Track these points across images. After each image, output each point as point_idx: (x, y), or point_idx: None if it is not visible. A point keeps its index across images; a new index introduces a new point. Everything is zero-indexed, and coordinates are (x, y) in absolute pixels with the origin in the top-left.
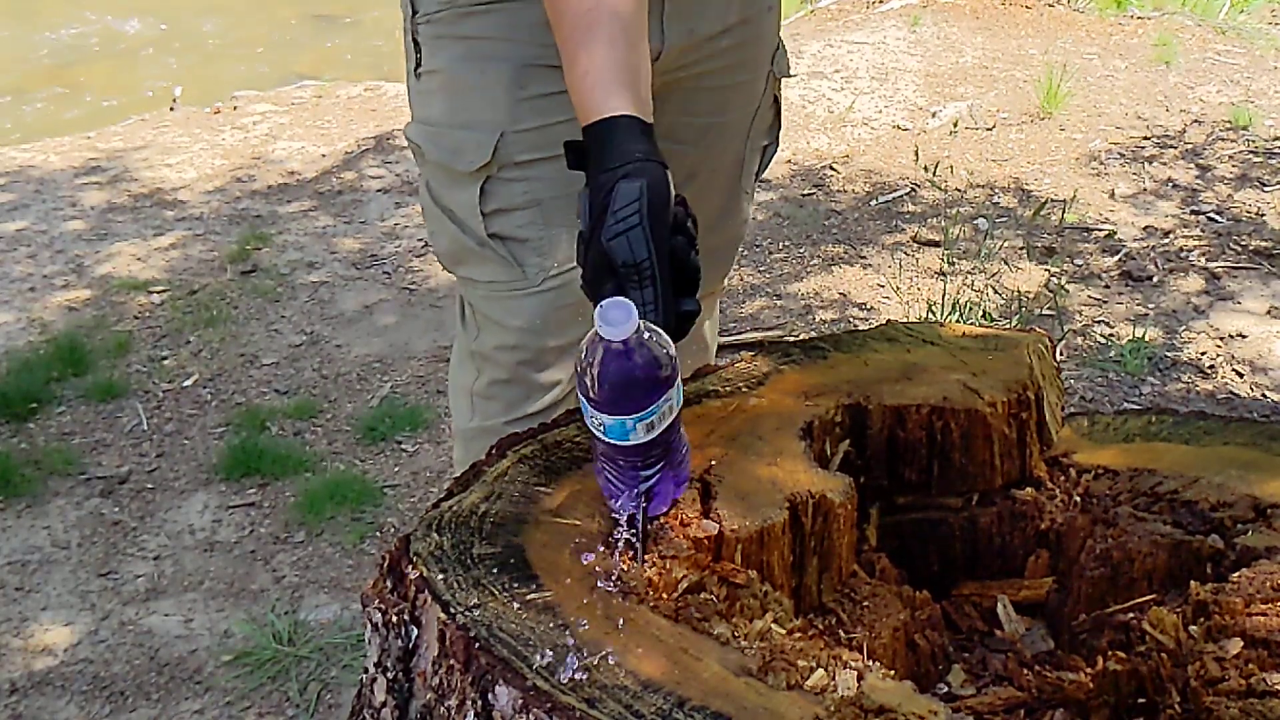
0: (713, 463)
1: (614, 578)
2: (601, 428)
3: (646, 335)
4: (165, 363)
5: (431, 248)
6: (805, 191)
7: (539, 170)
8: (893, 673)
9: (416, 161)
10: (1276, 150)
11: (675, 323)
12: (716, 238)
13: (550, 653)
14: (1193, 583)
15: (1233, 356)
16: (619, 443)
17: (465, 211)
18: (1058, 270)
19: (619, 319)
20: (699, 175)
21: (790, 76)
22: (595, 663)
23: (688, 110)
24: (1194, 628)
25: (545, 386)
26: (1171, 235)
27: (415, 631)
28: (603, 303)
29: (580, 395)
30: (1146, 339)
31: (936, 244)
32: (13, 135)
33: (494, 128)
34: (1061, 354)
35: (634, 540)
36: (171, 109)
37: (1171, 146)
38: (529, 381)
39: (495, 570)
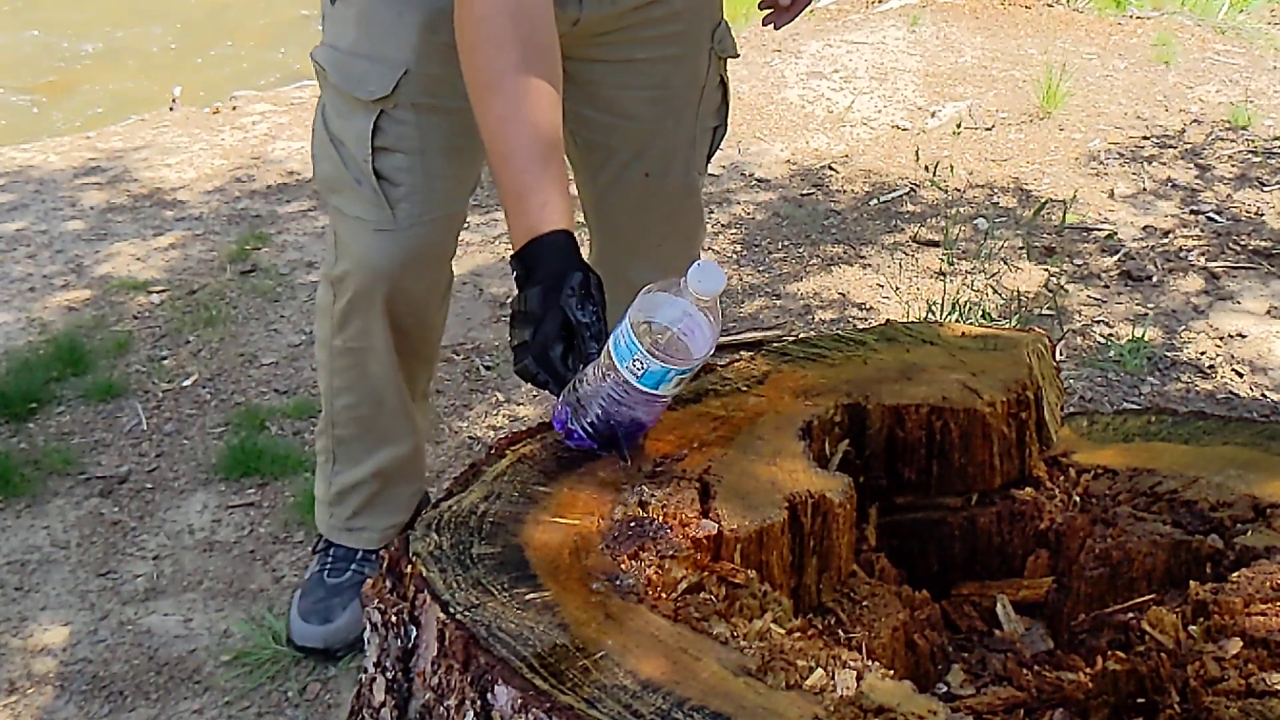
0: (711, 462)
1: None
2: (640, 372)
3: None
4: (165, 362)
5: (314, 171)
6: (804, 191)
7: (430, 119)
8: (892, 672)
9: (320, 83)
10: (1276, 150)
11: None
12: (682, 221)
13: None
14: (1192, 583)
15: (1232, 356)
16: (647, 390)
17: (354, 142)
18: (1057, 270)
19: (714, 280)
20: (649, 152)
21: (735, 57)
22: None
23: (626, 82)
24: (1193, 627)
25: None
26: (1171, 235)
27: (414, 631)
28: (700, 262)
29: (625, 339)
30: (1146, 339)
31: (936, 244)
32: (12, 135)
33: (399, 64)
34: (1061, 354)
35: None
36: (171, 109)
37: (1171, 146)
38: (380, 314)
39: (494, 570)
